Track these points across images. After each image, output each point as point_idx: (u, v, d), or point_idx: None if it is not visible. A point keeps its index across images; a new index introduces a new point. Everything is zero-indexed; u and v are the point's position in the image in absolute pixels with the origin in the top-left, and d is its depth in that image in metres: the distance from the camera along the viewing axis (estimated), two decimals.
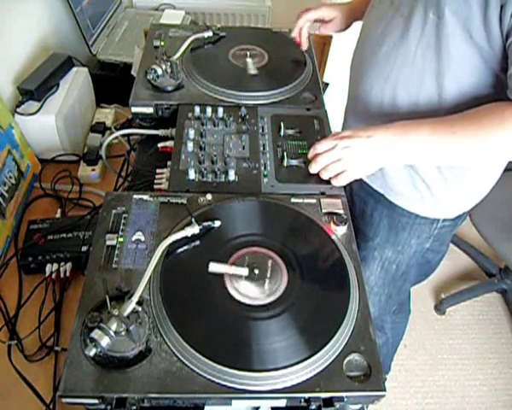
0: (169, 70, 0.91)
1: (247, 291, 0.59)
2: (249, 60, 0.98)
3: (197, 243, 0.65)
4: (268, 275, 0.61)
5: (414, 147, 0.70)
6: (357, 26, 2.12)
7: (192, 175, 0.75)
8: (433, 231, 0.91)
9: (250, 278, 0.61)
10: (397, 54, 0.76)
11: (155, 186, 0.78)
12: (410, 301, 1.27)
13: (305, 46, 1.01)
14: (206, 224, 0.65)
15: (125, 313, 0.54)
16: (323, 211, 0.71)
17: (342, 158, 0.71)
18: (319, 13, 0.98)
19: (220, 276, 0.61)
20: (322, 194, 0.74)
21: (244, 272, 0.60)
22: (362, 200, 0.97)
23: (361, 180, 0.93)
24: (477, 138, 0.67)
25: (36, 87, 0.97)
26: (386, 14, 0.78)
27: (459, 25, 0.64)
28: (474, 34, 0.64)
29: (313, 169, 0.74)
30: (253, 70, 0.95)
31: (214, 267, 0.60)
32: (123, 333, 0.53)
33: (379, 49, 0.80)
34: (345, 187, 0.76)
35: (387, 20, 0.77)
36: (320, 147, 0.73)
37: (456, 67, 0.69)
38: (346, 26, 1.02)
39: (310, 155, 0.75)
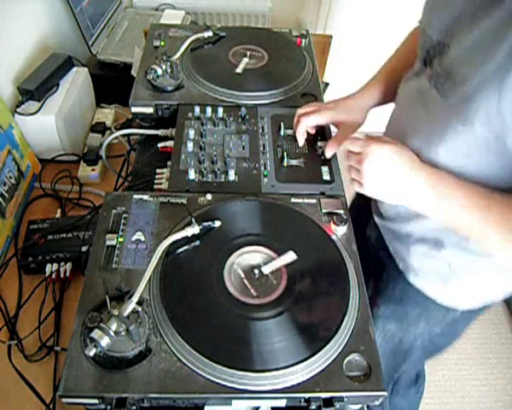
0: (169, 70, 0.91)
1: (247, 291, 0.59)
2: (245, 59, 0.97)
3: (197, 243, 0.65)
4: (268, 275, 0.61)
5: (437, 202, 0.60)
6: (357, 26, 2.11)
7: (192, 175, 0.75)
8: (448, 319, 0.80)
9: (250, 277, 0.61)
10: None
11: (155, 186, 0.78)
12: (421, 377, 1.18)
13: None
14: (206, 224, 0.65)
15: (125, 313, 0.54)
16: (323, 211, 0.71)
17: (361, 170, 0.63)
18: (322, 121, 0.82)
19: (220, 276, 0.61)
20: (322, 194, 0.74)
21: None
22: (381, 263, 0.85)
23: (384, 247, 0.83)
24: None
25: (36, 87, 0.97)
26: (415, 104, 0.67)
27: (491, 135, 0.55)
28: (509, 142, 0.54)
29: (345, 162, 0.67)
30: (239, 69, 0.94)
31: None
32: (123, 333, 0.53)
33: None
34: (368, 245, 0.76)
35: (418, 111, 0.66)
36: (350, 145, 0.66)
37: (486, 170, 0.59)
38: (364, 118, 0.84)
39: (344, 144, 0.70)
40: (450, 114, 0.58)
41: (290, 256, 0.63)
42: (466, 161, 0.59)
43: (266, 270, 0.62)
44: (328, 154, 0.80)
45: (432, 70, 0.62)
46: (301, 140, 0.82)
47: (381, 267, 0.85)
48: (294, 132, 0.82)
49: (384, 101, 0.82)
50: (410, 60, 0.73)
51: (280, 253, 0.64)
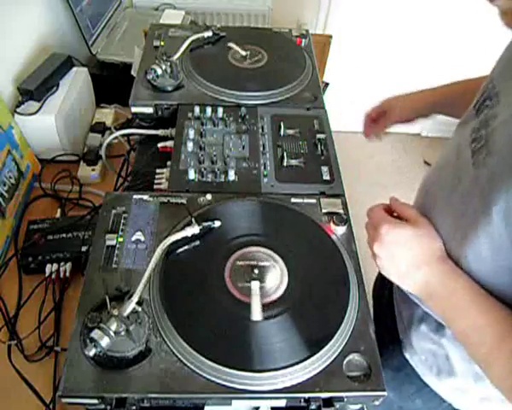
0: (169, 70, 0.91)
1: (247, 291, 0.59)
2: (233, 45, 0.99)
3: (197, 243, 0.65)
4: (268, 275, 0.61)
5: (447, 310, 0.54)
6: (357, 26, 2.11)
7: (192, 175, 0.75)
8: (445, 407, 0.72)
9: (250, 277, 0.61)
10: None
11: (155, 186, 0.78)
12: None
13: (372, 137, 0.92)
14: (206, 224, 0.65)
15: (125, 314, 0.54)
16: (323, 211, 0.71)
17: (373, 251, 0.58)
18: (378, 106, 0.89)
19: (220, 276, 0.61)
20: (322, 194, 0.74)
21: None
22: (386, 324, 0.79)
23: (392, 307, 0.79)
24: None
25: (36, 87, 0.97)
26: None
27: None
28: None
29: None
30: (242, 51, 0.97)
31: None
32: (123, 333, 0.53)
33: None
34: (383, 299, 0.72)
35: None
36: (369, 218, 0.61)
37: None
38: (416, 116, 0.85)
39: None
40: (474, 191, 0.50)
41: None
42: (492, 264, 0.50)
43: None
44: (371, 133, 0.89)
45: (477, 122, 0.55)
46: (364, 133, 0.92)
47: (386, 328, 0.78)
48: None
49: (445, 112, 0.82)
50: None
51: (280, 253, 0.64)
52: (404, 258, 0.55)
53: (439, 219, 0.58)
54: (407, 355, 0.73)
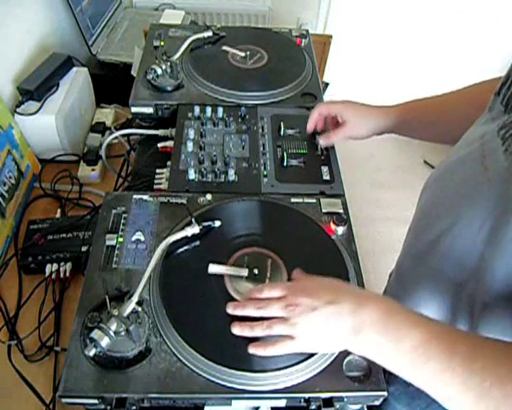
0: (169, 70, 0.91)
1: (246, 291, 0.59)
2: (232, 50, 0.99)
3: (197, 242, 0.65)
4: (268, 275, 0.61)
5: (398, 360, 0.46)
6: (357, 26, 2.11)
7: (192, 175, 0.75)
8: None
9: (250, 278, 0.61)
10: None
11: (155, 186, 0.78)
12: None
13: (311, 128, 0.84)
14: (206, 224, 0.65)
15: (125, 314, 0.54)
16: (323, 211, 0.71)
17: (292, 318, 0.50)
18: (333, 109, 0.80)
19: (220, 276, 0.61)
20: (322, 194, 0.74)
21: (244, 272, 0.60)
22: None
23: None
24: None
25: (36, 87, 0.97)
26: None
27: None
28: None
29: (236, 328, 0.53)
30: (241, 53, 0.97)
31: (214, 268, 0.60)
32: (123, 333, 0.53)
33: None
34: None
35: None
36: (265, 289, 0.54)
37: None
38: (368, 136, 0.80)
39: (247, 295, 0.56)
40: (509, 178, 0.48)
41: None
42: None
43: (211, 269, 0.60)
44: (322, 143, 0.80)
45: (509, 116, 0.52)
46: (310, 125, 0.82)
47: None
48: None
49: (400, 131, 0.79)
50: (461, 109, 0.67)
51: (280, 253, 0.64)
52: (327, 335, 0.50)
53: (460, 215, 0.56)
54: None
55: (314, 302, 0.49)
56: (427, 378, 0.45)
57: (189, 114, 0.86)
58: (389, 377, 0.72)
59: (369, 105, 0.80)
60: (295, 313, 0.50)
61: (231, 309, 0.54)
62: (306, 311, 0.49)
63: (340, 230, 0.68)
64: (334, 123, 0.83)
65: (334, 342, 0.50)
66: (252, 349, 0.52)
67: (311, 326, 0.49)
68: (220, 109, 0.86)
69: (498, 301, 0.52)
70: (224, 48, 0.99)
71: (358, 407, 0.57)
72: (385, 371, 0.54)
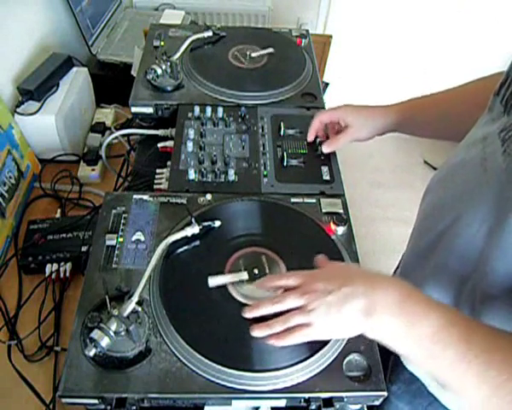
0: (169, 70, 0.91)
1: (246, 291, 0.59)
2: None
3: (197, 242, 0.65)
4: (267, 271, 0.61)
5: (414, 345, 0.46)
6: (357, 26, 2.11)
7: (192, 175, 0.75)
8: None
9: (250, 278, 0.61)
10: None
11: (155, 186, 0.78)
12: None
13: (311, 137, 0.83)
14: (206, 224, 0.65)
15: (125, 314, 0.54)
16: (323, 211, 0.71)
17: (308, 305, 0.50)
18: (334, 115, 0.80)
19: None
20: (322, 194, 0.74)
21: (244, 276, 0.60)
22: None
23: None
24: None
25: (36, 87, 0.97)
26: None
27: None
28: None
29: (256, 331, 0.53)
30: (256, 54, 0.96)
31: (214, 281, 0.59)
32: (123, 333, 0.53)
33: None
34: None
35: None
36: (282, 279, 0.55)
37: None
38: (371, 137, 0.81)
39: (258, 284, 0.57)
40: (508, 178, 0.48)
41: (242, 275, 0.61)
42: None
43: (212, 283, 0.59)
44: (325, 150, 0.80)
45: (509, 117, 0.52)
46: (311, 134, 0.82)
47: None
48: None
49: (401, 130, 0.79)
50: (461, 106, 0.68)
51: (280, 253, 0.64)
52: (349, 304, 0.49)
53: (461, 215, 0.56)
54: (410, 368, 0.70)
55: (329, 286, 0.49)
56: (441, 367, 0.45)
57: (189, 114, 0.86)
58: (391, 376, 0.73)
59: (368, 106, 0.80)
60: (311, 298, 0.50)
61: (248, 313, 0.54)
62: (322, 296, 0.49)
63: (340, 230, 0.68)
64: (334, 130, 0.83)
65: (349, 325, 0.50)
66: (272, 341, 0.52)
67: (326, 310, 0.49)
68: (220, 109, 0.86)
69: (499, 293, 0.52)
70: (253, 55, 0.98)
71: (358, 406, 0.57)
72: (386, 369, 0.54)
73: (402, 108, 0.78)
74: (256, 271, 0.61)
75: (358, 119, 0.79)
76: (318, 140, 0.82)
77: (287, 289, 0.53)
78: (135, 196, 0.71)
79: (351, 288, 0.48)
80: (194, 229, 0.63)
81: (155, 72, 0.89)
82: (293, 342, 0.51)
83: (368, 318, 0.47)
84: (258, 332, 0.52)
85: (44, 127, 0.98)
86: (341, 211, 0.71)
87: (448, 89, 0.75)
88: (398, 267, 0.85)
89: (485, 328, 0.45)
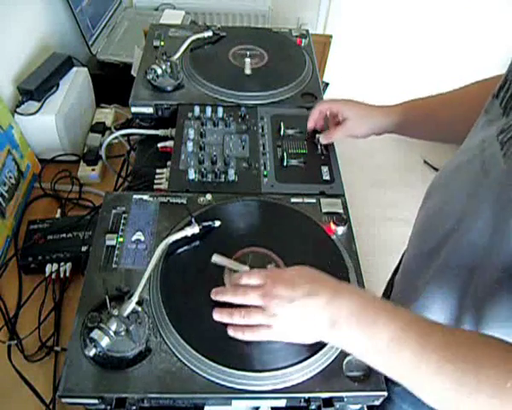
0: (169, 70, 0.91)
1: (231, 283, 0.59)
2: (248, 60, 0.97)
3: (197, 242, 0.65)
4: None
5: (374, 349, 0.47)
6: (357, 26, 2.11)
7: (192, 175, 0.75)
8: None
9: None
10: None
11: (155, 186, 0.78)
12: None
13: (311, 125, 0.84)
14: (206, 224, 0.65)
15: (125, 314, 0.54)
16: (323, 211, 0.71)
17: (269, 309, 0.51)
18: (334, 106, 0.80)
19: (220, 276, 0.61)
20: (322, 194, 0.74)
21: (245, 268, 0.60)
22: None
23: None
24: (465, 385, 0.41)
25: (36, 87, 0.97)
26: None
27: None
28: None
29: (217, 314, 0.55)
30: (248, 70, 0.95)
31: (217, 258, 0.61)
32: (123, 333, 0.53)
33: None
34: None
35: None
36: (244, 277, 0.55)
37: None
38: (367, 135, 0.80)
39: (230, 280, 0.59)
40: (508, 182, 0.48)
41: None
42: None
43: (215, 258, 0.62)
44: (322, 140, 0.81)
45: (508, 120, 0.52)
46: (310, 122, 0.82)
47: None
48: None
49: (400, 132, 0.78)
50: (462, 108, 0.67)
51: (280, 253, 0.64)
52: (306, 326, 0.51)
53: (463, 220, 0.56)
54: None
55: (292, 294, 0.50)
56: (402, 370, 0.45)
57: (189, 114, 0.86)
58: None
59: (370, 104, 0.80)
60: (273, 303, 0.50)
61: (213, 295, 0.56)
62: (284, 302, 0.50)
63: (340, 230, 0.68)
64: (334, 122, 0.83)
65: (310, 333, 0.51)
66: (231, 332, 0.53)
67: (288, 318, 0.50)
68: (220, 109, 0.86)
69: (504, 289, 0.52)
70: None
71: (358, 407, 0.57)
72: None
73: (403, 109, 0.78)
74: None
75: (356, 114, 0.79)
76: (317, 136, 0.82)
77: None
78: (135, 196, 0.71)
79: (314, 298, 0.49)
80: (195, 229, 0.63)
81: (155, 72, 0.89)
82: (252, 339, 0.53)
83: (330, 329, 0.48)
84: (217, 316, 0.54)
85: (44, 127, 0.98)
86: (341, 211, 0.71)
87: (449, 90, 0.75)
88: (397, 268, 0.85)
89: (443, 327, 0.46)
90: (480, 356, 0.41)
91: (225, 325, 0.54)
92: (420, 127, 0.78)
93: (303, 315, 0.50)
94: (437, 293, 0.63)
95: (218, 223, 0.66)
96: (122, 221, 0.68)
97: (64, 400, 0.52)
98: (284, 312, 0.50)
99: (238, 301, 0.53)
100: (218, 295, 0.56)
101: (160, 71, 0.90)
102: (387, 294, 0.85)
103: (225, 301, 0.55)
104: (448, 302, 0.62)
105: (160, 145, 0.84)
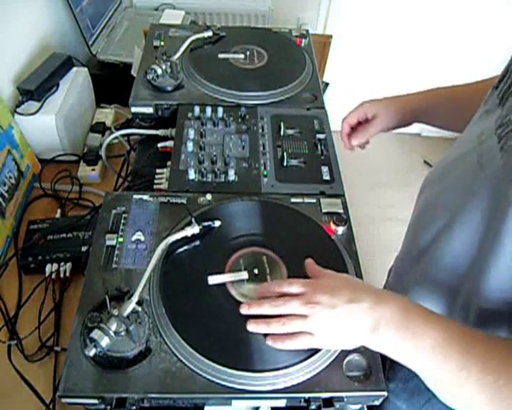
0: (169, 70, 0.91)
1: (246, 291, 0.59)
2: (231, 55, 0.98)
3: (197, 243, 0.65)
4: (268, 272, 0.61)
5: (415, 357, 0.47)
6: (357, 26, 2.11)
7: (192, 175, 0.75)
8: None
9: (250, 278, 0.61)
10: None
11: (155, 186, 0.78)
12: None
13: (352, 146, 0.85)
14: (206, 224, 0.65)
15: (125, 314, 0.54)
16: (323, 211, 0.71)
17: (311, 316, 0.50)
18: (360, 112, 0.82)
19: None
20: (322, 194, 0.74)
21: (244, 275, 0.60)
22: None
23: None
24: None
25: (36, 87, 0.97)
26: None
27: None
28: None
29: (252, 325, 0.53)
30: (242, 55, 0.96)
31: (214, 280, 0.60)
32: (123, 333, 0.53)
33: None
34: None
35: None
36: (284, 285, 0.54)
37: None
38: (400, 124, 0.82)
39: (260, 290, 0.56)
40: (504, 176, 0.48)
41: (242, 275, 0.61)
42: None
43: (212, 281, 0.59)
44: (354, 142, 0.82)
45: (504, 109, 0.52)
46: (346, 144, 0.84)
47: None
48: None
49: (424, 119, 0.80)
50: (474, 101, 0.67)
51: (280, 253, 0.64)
52: (345, 332, 0.50)
53: (457, 214, 0.56)
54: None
55: (333, 300, 0.50)
56: (443, 377, 0.45)
57: (189, 114, 0.86)
58: (388, 374, 0.73)
59: (388, 97, 0.81)
60: (315, 310, 0.50)
61: (246, 309, 0.54)
62: (326, 309, 0.49)
63: (340, 230, 0.68)
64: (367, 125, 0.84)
65: (352, 339, 0.51)
66: (270, 341, 0.52)
67: (330, 324, 0.50)
68: (220, 109, 0.86)
69: (493, 305, 0.53)
70: (221, 56, 0.97)
71: (358, 406, 0.57)
72: (384, 367, 0.54)
73: (424, 96, 0.78)
74: (256, 271, 0.61)
75: (384, 108, 0.80)
76: (317, 136, 0.82)
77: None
78: (135, 196, 0.71)
79: (356, 305, 0.49)
80: (195, 229, 0.63)
81: (155, 72, 0.89)
82: (293, 348, 0.52)
83: (372, 334, 0.48)
84: (254, 327, 0.53)
85: (44, 127, 0.98)
86: (341, 211, 0.71)
87: (467, 83, 0.76)
88: (392, 267, 0.85)
89: (483, 336, 0.46)
90: None
91: (231, 329, 0.54)
92: (442, 114, 0.78)
93: (345, 321, 0.49)
94: (425, 300, 0.63)
95: (218, 223, 0.66)
96: (122, 221, 0.68)
97: (64, 400, 0.52)
98: (326, 318, 0.49)
99: (278, 312, 0.52)
100: (252, 309, 0.53)
101: (159, 71, 0.90)
102: None
103: (262, 313, 0.53)
104: (439, 302, 0.62)
105: (160, 145, 0.84)
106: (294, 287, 0.53)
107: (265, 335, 0.53)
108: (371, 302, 0.49)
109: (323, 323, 0.50)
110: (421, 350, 0.46)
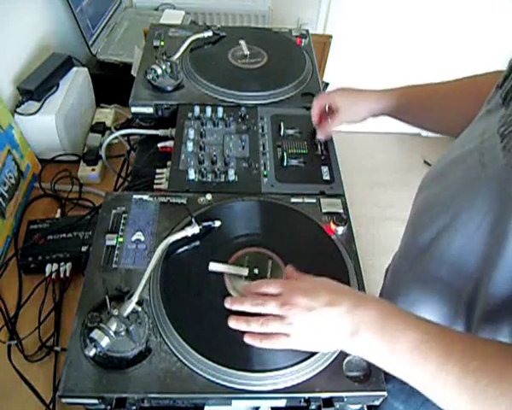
0: (169, 70, 0.91)
1: (243, 286, 0.59)
2: (242, 41, 0.99)
3: (197, 243, 0.65)
4: (268, 275, 0.61)
5: (394, 361, 0.47)
6: (357, 26, 2.11)
7: (192, 175, 0.75)
8: None
9: (250, 278, 0.61)
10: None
11: (155, 186, 0.78)
12: None
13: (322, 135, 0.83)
14: (206, 224, 0.65)
15: (125, 314, 0.54)
16: (323, 211, 0.71)
17: (288, 318, 0.50)
18: (328, 98, 0.81)
19: (220, 276, 0.61)
20: (322, 194, 0.74)
21: (244, 271, 0.60)
22: None
23: None
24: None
25: (36, 87, 0.97)
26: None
27: None
28: None
29: (233, 321, 0.53)
30: (246, 50, 0.97)
31: (214, 266, 0.60)
32: (123, 333, 0.53)
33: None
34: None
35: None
36: (262, 285, 0.54)
37: None
38: (365, 117, 0.80)
39: (242, 289, 0.58)
40: (507, 175, 0.48)
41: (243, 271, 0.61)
42: None
43: (212, 267, 0.61)
44: (319, 136, 0.81)
45: (506, 110, 0.52)
46: (314, 118, 0.82)
47: None
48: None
49: (394, 115, 0.78)
50: (462, 99, 0.67)
51: (280, 253, 0.64)
52: (323, 335, 0.50)
53: (458, 213, 0.55)
54: None
55: (311, 303, 0.49)
56: (423, 380, 0.45)
57: (189, 114, 0.86)
58: (386, 374, 0.73)
59: (362, 89, 0.80)
60: (292, 312, 0.50)
61: (229, 304, 0.55)
62: (303, 311, 0.49)
63: (340, 230, 0.68)
64: (332, 114, 0.83)
65: (330, 342, 0.51)
66: (248, 339, 0.52)
67: (307, 327, 0.50)
68: (220, 109, 0.86)
69: (498, 308, 0.52)
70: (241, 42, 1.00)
71: (358, 407, 0.57)
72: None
73: (398, 93, 0.77)
74: (256, 271, 0.61)
75: (346, 101, 0.79)
76: (317, 136, 0.82)
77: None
78: (135, 196, 0.71)
79: (334, 308, 0.49)
80: (195, 229, 0.63)
81: (155, 72, 0.89)
82: (270, 347, 0.52)
83: (351, 338, 0.48)
84: (234, 323, 0.53)
85: (44, 127, 0.98)
86: (341, 211, 0.71)
87: (448, 81, 0.74)
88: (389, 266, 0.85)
89: (466, 338, 0.46)
90: (500, 367, 0.41)
91: (231, 329, 0.54)
92: (413, 113, 0.77)
93: (323, 324, 0.49)
94: (425, 301, 0.63)
95: (218, 223, 0.66)
96: (122, 221, 0.68)
97: (64, 400, 0.52)
98: (303, 321, 0.49)
99: (257, 311, 0.52)
100: (234, 305, 0.54)
101: (159, 71, 0.90)
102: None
103: (243, 310, 0.53)
104: (437, 313, 0.61)
105: (160, 145, 0.84)
106: (272, 287, 0.53)
107: (245, 332, 0.53)
108: (350, 306, 0.48)
109: (300, 325, 0.50)
110: (400, 352, 0.45)
